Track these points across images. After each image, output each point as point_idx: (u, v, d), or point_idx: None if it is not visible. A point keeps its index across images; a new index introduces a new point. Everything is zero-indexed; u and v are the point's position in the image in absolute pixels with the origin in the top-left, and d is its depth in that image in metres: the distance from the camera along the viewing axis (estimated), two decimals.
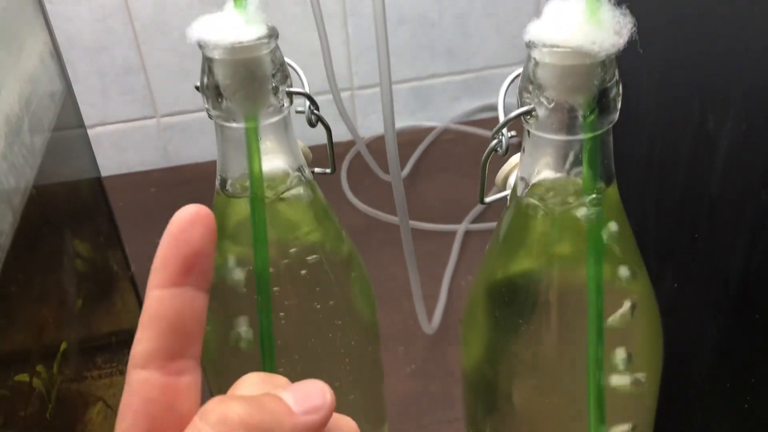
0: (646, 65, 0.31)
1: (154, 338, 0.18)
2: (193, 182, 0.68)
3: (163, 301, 0.18)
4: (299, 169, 0.28)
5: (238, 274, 0.28)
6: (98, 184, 0.46)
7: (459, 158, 0.71)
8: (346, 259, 0.30)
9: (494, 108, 0.51)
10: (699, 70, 0.29)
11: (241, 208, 0.27)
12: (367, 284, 0.31)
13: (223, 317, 0.29)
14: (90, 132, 0.71)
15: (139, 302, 0.50)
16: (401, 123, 0.76)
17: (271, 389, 0.18)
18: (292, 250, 0.28)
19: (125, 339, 0.44)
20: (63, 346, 0.35)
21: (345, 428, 0.19)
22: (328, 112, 0.58)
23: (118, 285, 0.47)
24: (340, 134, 0.73)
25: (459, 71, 0.73)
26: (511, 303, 0.26)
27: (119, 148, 0.72)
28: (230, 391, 0.19)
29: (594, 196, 0.24)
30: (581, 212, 0.24)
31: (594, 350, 0.25)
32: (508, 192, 0.27)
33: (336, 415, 0.19)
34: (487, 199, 0.27)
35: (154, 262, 0.18)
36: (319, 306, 0.29)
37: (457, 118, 0.75)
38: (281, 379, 0.19)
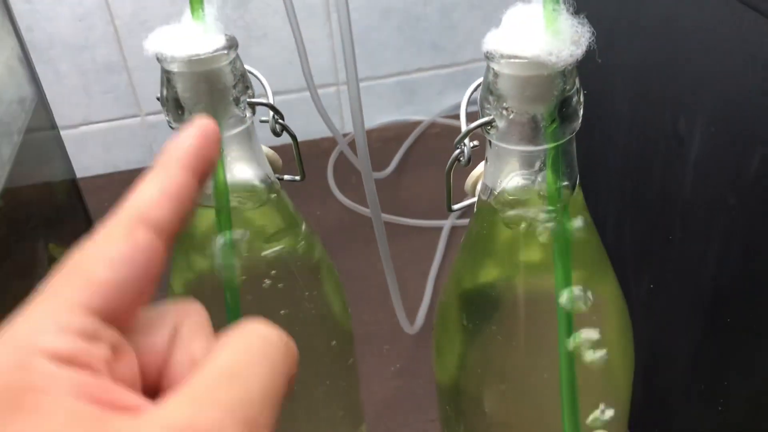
0: (620, 72, 0.31)
1: (174, 212, 0.16)
2: None
3: (187, 186, 0.17)
4: (264, 180, 0.28)
5: (205, 283, 0.28)
6: (73, 185, 0.45)
7: (446, 152, 0.70)
8: (315, 265, 0.30)
9: None
10: (670, 74, 0.28)
11: (206, 218, 0.27)
12: (338, 289, 0.31)
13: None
14: (74, 132, 0.71)
15: None
16: (387, 117, 0.75)
17: None
18: (259, 257, 0.28)
19: None
20: None
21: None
22: (308, 109, 0.58)
23: None
24: (325, 131, 0.73)
25: (445, 65, 0.73)
26: (478, 310, 0.26)
27: (104, 148, 0.71)
28: None
29: (558, 204, 0.24)
30: (546, 220, 0.24)
31: (565, 359, 0.25)
32: (476, 199, 0.27)
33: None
34: (455, 207, 0.27)
35: (181, 142, 0.17)
36: (288, 312, 0.29)
37: (443, 111, 0.74)
38: None
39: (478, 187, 0.28)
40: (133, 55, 0.66)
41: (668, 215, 0.31)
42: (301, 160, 0.29)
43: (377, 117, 0.75)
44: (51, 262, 0.38)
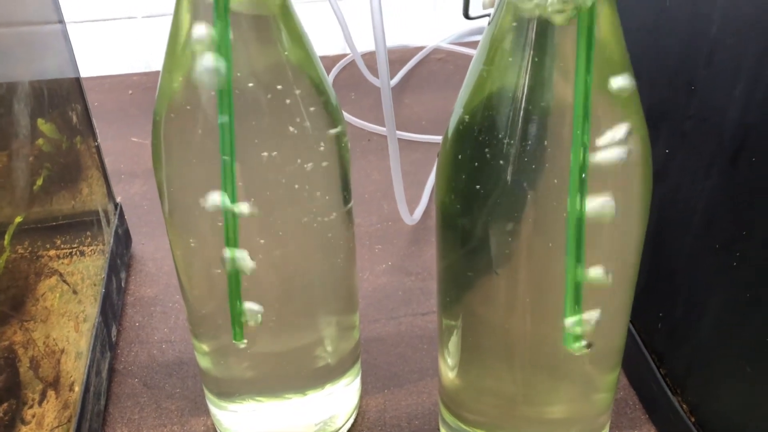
0: None
1: None
2: None
3: None
4: None
5: (201, 94, 0.26)
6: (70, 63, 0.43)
7: (447, 76, 0.68)
8: (316, 87, 0.28)
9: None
10: None
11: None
12: (339, 117, 0.29)
13: (185, 142, 0.27)
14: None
15: (108, 192, 0.48)
16: (390, 41, 0.73)
17: None
18: (259, 70, 0.26)
19: (87, 221, 0.42)
20: (17, 219, 0.33)
21: None
22: (325, 18, 0.56)
23: (86, 173, 0.45)
24: (330, 48, 0.71)
25: None
26: (494, 121, 0.24)
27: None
28: None
29: (586, 3, 0.22)
30: (570, 15, 0.22)
31: (577, 170, 0.23)
32: (493, 9, 0.25)
33: None
34: (473, 15, 0.25)
35: None
36: (287, 148, 0.27)
37: (448, 38, 0.73)
38: None
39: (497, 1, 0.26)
40: None
41: (693, 60, 0.29)
42: None
43: None
44: (39, 137, 0.36)
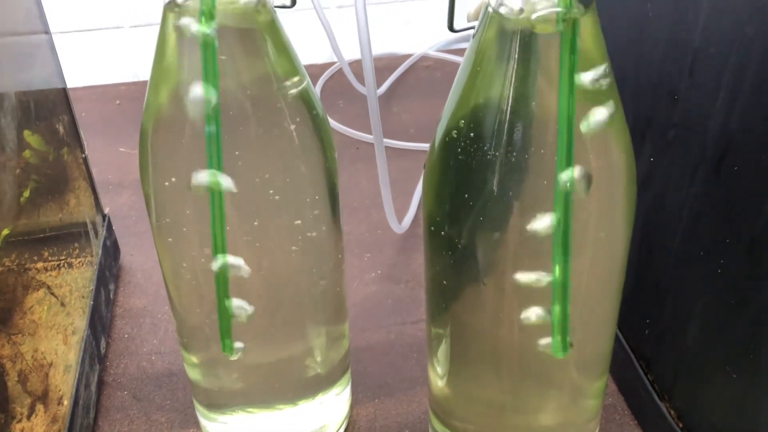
0: None
1: None
2: None
3: None
4: None
5: (189, 102, 0.26)
6: (57, 75, 0.43)
7: (435, 83, 0.69)
8: (303, 99, 0.28)
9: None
10: None
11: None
12: (326, 128, 0.29)
13: (172, 155, 0.27)
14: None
15: (96, 203, 0.48)
16: (379, 49, 0.74)
17: None
18: (245, 81, 0.26)
19: (75, 233, 0.42)
20: (5, 232, 0.33)
21: None
22: (309, 28, 0.56)
23: (73, 184, 0.45)
24: (318, 56, 0.71)
25: None
26: (479, 132, 0.24)
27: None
28: None
29: (570, 17, 0.22)
30: (553, 26, 0.23)
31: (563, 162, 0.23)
32: (478, 23, 0.25)
33: None
34: (457, 27, 0.25)
35: None
36: (274, 157, 0.27)
37: (436, 45, 0.73)
38: None
39: (481, 13, 0.26)
40: None
41: (676, 69, 0.29)
42: None
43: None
44: (26, 148, 0.36)
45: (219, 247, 0.27)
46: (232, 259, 0.28)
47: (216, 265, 0.27)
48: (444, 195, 0.26)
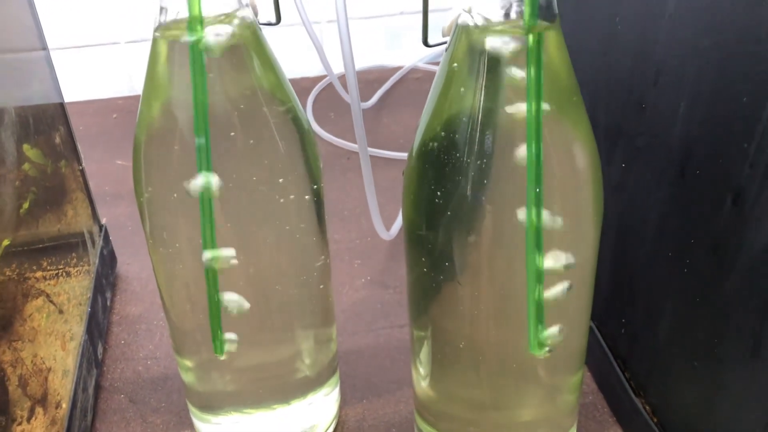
0: None
1: None
2: None
3: None
4: (246, 5, 0.27)
5: (178, 119, 0.28)
6: (54, 91, 0.45)
7: (425, 94, 0.70)
8: (290, 115, 0.30)
9: None
10: None
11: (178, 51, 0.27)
12: (312, 142, 0.31)
13: (164, 166, 0.28)
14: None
15: (93, 214, 0.49)
16: (370, 62, 0.75)
17: None
18: (233, 97, 0.28)
19: (73, 243, 0.44)
20: (5, 243, 0.34)
21: None
22: (301, 42, 0.57)
23: (71, 196, 0.47)
24: (310, 70, 0.72)
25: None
26: (452, 141, 0.26)
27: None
28: None
29: (535, 32, 0.24)
30: (521, 46, 0.24)
31: (533, 188, 0.25)
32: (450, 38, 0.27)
33: None
34: (431, 42, 0.27)
35: None
36: (261, 166, 0.28)
37: (425, 58, 0.75)
38: None
39: (453, 28, 0.28)
40: None
41: (642, 81, 0.31)
42: (278, 4, 0.29)
43: (359, 62, 0.75)
44: (25, 161, 0.38)
45: (208, 242, 0.28)
46: (221, 251, 0.29)
47: (206, 257, 0.28)
48: (421, 200, 0.27)
